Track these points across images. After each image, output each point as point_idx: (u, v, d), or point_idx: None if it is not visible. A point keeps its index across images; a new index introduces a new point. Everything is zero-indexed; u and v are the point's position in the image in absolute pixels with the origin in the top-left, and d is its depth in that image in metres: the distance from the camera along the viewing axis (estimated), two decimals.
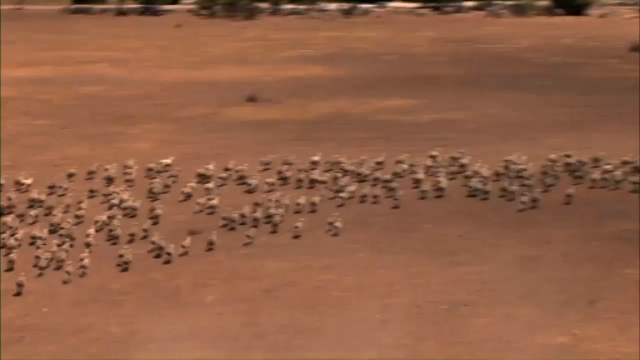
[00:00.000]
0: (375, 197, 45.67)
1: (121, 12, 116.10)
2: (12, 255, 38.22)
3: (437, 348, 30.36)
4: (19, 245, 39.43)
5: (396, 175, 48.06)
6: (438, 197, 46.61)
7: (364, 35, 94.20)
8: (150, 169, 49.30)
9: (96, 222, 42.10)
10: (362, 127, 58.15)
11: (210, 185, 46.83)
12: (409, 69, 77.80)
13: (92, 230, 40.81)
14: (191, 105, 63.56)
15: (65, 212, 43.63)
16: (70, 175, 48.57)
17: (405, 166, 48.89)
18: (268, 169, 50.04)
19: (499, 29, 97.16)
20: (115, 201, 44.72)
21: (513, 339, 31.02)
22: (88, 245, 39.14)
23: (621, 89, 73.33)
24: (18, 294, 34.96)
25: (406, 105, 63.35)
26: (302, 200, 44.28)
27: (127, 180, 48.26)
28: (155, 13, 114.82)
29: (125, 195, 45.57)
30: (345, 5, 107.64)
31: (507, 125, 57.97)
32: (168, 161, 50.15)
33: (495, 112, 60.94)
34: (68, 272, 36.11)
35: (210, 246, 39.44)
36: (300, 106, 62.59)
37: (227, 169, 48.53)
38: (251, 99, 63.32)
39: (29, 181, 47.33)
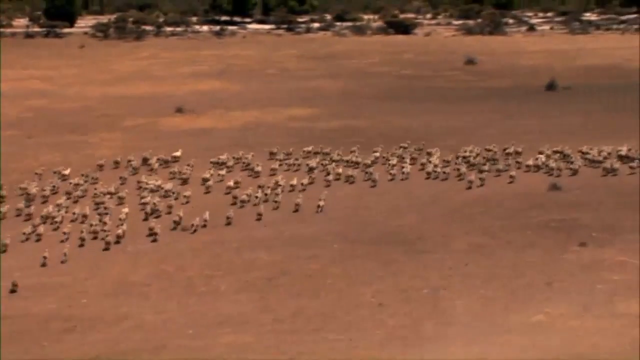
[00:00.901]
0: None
1: (29, 35, 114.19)
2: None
3: (435, 328, 30.96)
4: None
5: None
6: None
7: (240, 53, 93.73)
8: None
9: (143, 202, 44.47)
10: (283, 134, 58.14)
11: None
12: (293, 82, 77.75)
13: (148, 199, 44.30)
14: (129, 117, 62.99)
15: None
16: (64, 177, 49.24)
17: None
18: (222, 167, 50.37)
19: (348, 46, 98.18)
20: (151, 186, 46.79)
21: (496, 318, 31.62)
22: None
23: (475, 97, 73.63)
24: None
25: (310, 113, 62.99)
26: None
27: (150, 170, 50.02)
28: (58, 35, 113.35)
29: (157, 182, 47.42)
30: (215, 28, 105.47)
31: (403, 130, 56.84)
32: (177, 153, 52.04)
33: (389, 119, 59.80)
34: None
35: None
36: (221, 116, 62.67)
37: (189, 165, 49.94)
38: (179, 110, 63.18)
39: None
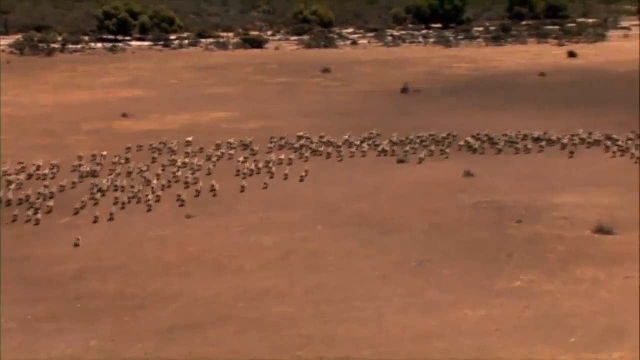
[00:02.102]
0: None
1: None
2: None
3: (439, 295, 30.14)
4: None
5: None
6: None
7: (139, 66, 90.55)
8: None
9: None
10: (218, 134, 55.48)
11: None
12: (197, 89, 76.00)
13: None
14: (85, 122, 60.35)
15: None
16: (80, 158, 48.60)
17: None
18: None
19: (221, 59, 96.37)
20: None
21: (483, 285, 30.95)
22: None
23: (350, 99, 71.90)
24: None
25: (230, 116, 61.78)
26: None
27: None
28: None
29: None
30: (108, 45, 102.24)
31: (316, 128, 56.19)
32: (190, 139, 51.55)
33: (297, 120, 59.02)
34: None
35: None
36: (160, 119, 60.67)
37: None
38: (124, 115, 60.07)
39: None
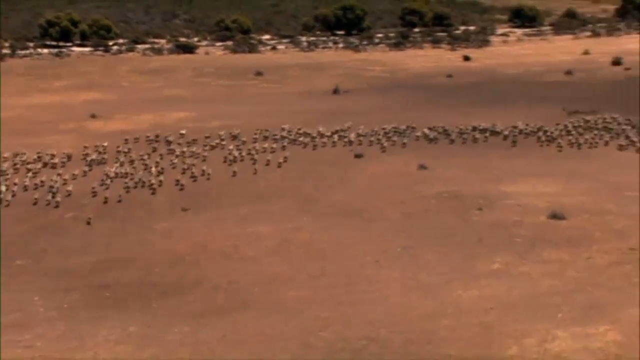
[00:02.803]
0: None
1: None
2: None
3: (432, 277, 29.67)
4: None
5: None
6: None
7: (87, 70, 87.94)
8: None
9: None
10: (189, 132, 53.73)
11: None
12: (150, 92, 74.41)
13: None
14: (59, 122, 58.40)
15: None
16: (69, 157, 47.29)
17: None
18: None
19: (160, 63, 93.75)
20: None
21: (466, 267, 30.65)
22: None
23: (284, 100, 72.37)
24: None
25: (189, 116, 60.56)
26: None
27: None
28: None
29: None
30: (54, 50, 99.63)
31: (271, 125, 55.45)
32: (183, 132, 51.31)
33: (253, 119, 57.87)
34: None
35: None
36: (127, 119, 59.00)
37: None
38: (93, 116, 58.44)
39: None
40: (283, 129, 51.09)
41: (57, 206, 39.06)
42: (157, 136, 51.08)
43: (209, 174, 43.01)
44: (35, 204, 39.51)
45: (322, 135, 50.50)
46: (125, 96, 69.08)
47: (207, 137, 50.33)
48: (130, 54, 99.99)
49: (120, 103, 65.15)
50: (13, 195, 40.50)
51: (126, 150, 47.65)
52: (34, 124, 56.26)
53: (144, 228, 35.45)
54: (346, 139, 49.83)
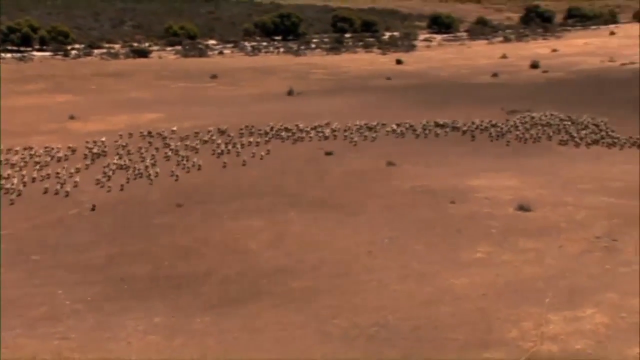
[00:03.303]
0: None
1: None
2: None
3: (423, 266, 29.37)
4: None
5: None
6: None
7: (52, 73, 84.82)
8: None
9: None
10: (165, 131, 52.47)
11: None
12: (116, 94, 72.45)
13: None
14: (42, 123, 56.52)
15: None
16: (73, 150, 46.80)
17: None
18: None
19: (119, 67, 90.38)
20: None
21: (452, 257, 30.51)
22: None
23: (245, 102, 72.11)
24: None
25: (160, 117, 59.38)
26: None
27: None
28: None
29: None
30: (17, 55, 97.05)
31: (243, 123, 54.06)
32: (174, 128, 50.83)
33: (220, 118, 56.95)
34: None
35: None
36: (104, 120, 57.58)
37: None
38: (72, 117, 56.91)
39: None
40: (268, 125, 51.21)
41: (66, 195, 38.53)
42: (149, 132, 50.34)
43: (199, 165, 42.62)
44: (45, 192, 39.08)
45: (300, 130, 50.36)
46: (95, 98, 67.45)
47: (196, 133, 49.60)
48: (89, 58, 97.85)
49: (92, 105, 63.57)
50: (24, 185, 40.11)
51: (124, 144, 47.54)
52: (17, 125, 54.46)
53: (145, 223, 34.58)
54: (321, 134, 49.40)
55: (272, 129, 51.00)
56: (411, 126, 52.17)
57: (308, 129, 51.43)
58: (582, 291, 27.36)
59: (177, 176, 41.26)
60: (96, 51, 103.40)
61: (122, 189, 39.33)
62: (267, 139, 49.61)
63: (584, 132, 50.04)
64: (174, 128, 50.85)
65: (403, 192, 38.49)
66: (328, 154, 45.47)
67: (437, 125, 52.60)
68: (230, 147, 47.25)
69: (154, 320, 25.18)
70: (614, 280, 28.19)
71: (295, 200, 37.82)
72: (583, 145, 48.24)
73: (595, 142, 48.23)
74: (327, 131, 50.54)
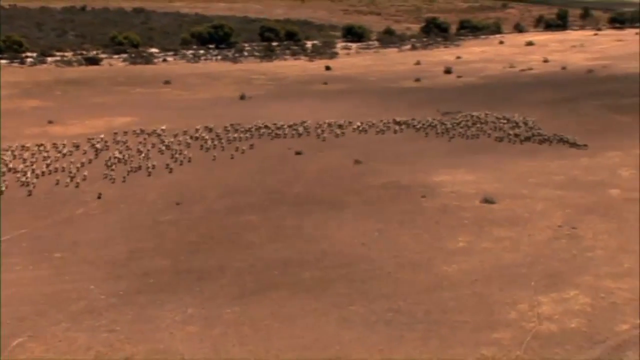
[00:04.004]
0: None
1: None
2: None
3: (420, 255, 29.16)
4: None
5: None
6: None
7: (15, 80, 79.00)
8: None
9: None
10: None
11: None
12: (83, 99, 69.80)
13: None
14: (23, 127, 53.90)
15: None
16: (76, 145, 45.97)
17: None
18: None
19: (76, 75, 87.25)
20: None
21: (438, 246, 30.43)
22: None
23: (203, 107, 69.77)
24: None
25: (133, 120, 57.59)
26: None
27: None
28: None
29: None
30: None
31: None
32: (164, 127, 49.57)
33: (191, 121, 55.39)
34: None
35: None
36: (82, 124, 55.59)
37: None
38: (50, 122, 54.83)
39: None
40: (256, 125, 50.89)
41: (77, 186, 38.09)
42: (142, 130, 49.51)
43: (190, 158, 42.59)
44: (57, 184, 38.51)
45: (279, 127, 50.39)
46: (63, 103, 64.86)
47: (185, 132, 48.94)
48: (44, 65, 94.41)
49: (64, 109, 61.12)
50: (37, 177, 39.37)
51: (124, 140, 47.15)
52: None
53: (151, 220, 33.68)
54: (295, 132, 49.54)
55: (254, 127, 50.47)
56: (373, 124, 51.86)
57: (285, 127, 51.00)
58: (560, 275, 27.78)
59: (171, 169, 40.47)
60: (50, 59, 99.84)
61: (124, 181, 38.37)
62: (248, 135, 48.98)
63: (517, 130, 50.30)
64: (164, 127, 49.57)
65: (376, 188, 38.28)
66: (298, 153, 44.87)
67: (395, 122, 52.28)
68: (216, 142, 46.91)
69: (187, 311, 24.65)
70: (584, 264, 28.72)
71: (281, 196, 37.13)
72: (517, 142, 48.58)
73: (528, 139, 48.70)
74: (301, 129, 50.13)
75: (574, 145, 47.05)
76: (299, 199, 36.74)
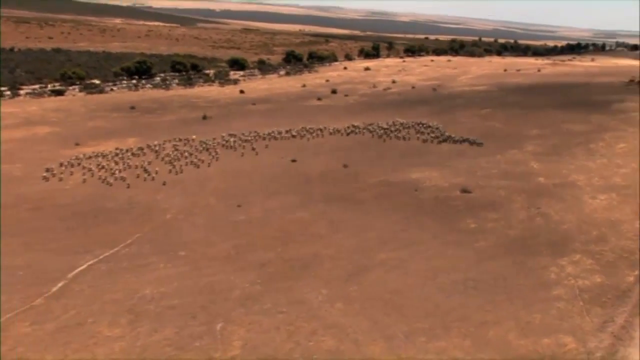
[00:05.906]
0: None
1: None
2: None
3: (420, 247, 27.84)
4: None
5: None
6: None
7: (6, 111, 72.50)
8: None
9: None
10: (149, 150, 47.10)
11: None
12: (83, 124, 63.66)
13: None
14: (55, 149, 48.16)
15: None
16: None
17: None
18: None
19: (54, 104, 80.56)
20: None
21: (457, 227, 29.35)
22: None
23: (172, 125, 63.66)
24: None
25: (140, 140, 53.02)
26: None
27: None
28: None
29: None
30: None
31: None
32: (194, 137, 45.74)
33: (180, 131, 51.84)
34: None
35: None
36: (101, 145, 49.73)
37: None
38: (77, 144, 49.56)
39: None
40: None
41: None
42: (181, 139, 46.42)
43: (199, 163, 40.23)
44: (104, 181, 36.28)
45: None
46: (68, 128, 58.64)
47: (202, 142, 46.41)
48: (19, 97, 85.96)
49: (74, 134, 55.29)
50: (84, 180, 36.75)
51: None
52: (36, 153, 46.20)
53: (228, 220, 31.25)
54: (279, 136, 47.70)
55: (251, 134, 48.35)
56: (338, 130, 50.25)
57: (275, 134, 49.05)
58: (557, 244, 28.11)
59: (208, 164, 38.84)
60: (22, 91, 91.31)
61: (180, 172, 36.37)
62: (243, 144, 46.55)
63: (433, 133, 49.97)
64: (194, 137, 46.14)
65: (375, 185, 36.57)
66: (293, 161, 43.03)
67: (354, 127, 50.94)
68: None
69: (322, 292, 23.55)
70: (565, 234, 28.97)
71: (309, 196, 34.84)
72: (436, 142, 47.24)
73: (445, 140, 48.35)
74: (284, 133, 48.28)
75: (480, 144, 46.17)
76: (326, 197, 34.61)
